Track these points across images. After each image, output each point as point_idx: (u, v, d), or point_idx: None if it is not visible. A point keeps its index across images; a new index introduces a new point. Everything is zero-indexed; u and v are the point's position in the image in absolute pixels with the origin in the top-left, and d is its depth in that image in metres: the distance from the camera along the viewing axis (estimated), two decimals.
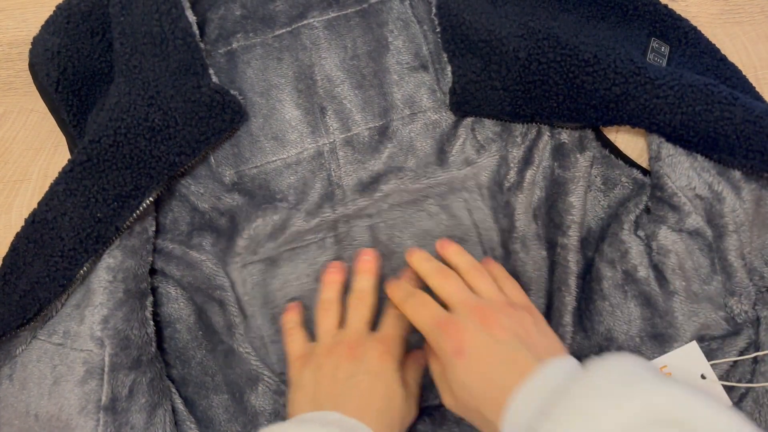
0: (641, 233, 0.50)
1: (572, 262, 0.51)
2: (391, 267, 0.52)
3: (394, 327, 0.48)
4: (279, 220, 0.51)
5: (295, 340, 0.49)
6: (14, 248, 0.47)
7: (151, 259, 0.51)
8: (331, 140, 0.51)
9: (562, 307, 0.50)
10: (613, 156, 0.53)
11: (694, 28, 0.52)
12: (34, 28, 0.51)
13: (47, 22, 0.51)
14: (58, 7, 0.51)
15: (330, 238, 0.52)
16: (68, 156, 0.54)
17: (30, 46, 0.52)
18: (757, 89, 0.51)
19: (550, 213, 0.52)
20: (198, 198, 0.52)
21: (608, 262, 0.50)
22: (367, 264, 0.50)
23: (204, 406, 0.51)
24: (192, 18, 0.49)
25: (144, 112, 0.46)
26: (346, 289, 0.51)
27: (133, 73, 0.47)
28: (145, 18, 0.47)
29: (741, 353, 0.48)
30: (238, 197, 0.51)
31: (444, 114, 0.52)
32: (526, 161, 0.52)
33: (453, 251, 0.50)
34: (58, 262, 0.46)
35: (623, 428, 0.33)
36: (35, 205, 0.47)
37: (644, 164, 0.53)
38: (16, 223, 0.53)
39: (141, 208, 0.48)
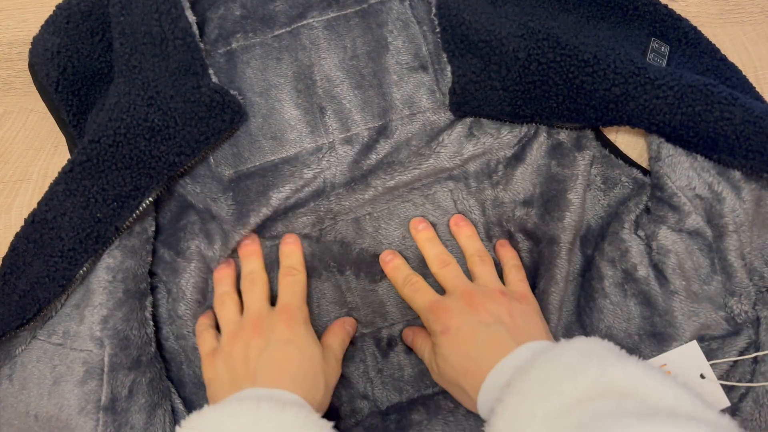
0: (641, 233, 0.50)
1: (563, 258, 0.51)
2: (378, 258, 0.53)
3: (292, 294, 0.49)
4: (271, 217, 0.51)
5: (205, 340, 0.49)
6: (14, 248, 0.47)
7: (150, 259, 0.51)
8: (330, 140, 0.51)
9: (546, 300, 0.51)
10: (613, 156, 0.53)
11: (694, 28, 0.52)
12: (34, 28, 0.51)
13: (47, 22, 0.51)
14: (58, 7, 0.51)
15: (315, 232, 0.52)
16: (68, 156, 0.54)
17: (30, 46, 0.52)
18: (757, 89, 0.51)
19: (547, 208, 0.52)
20: (195, 197, 0.51)
21: (608, 260, 0.50)
22: (249, 247, 0.51)
23: (202, 406, 0.51)
24: (192, 18, 0.49)
25: (144, 112, 0.46)
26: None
27: (132, 73, 0.47)
28: (145, 18, 0.47)
29: (741, 353, 0.48)
30: (232, 196, 0.51)
31: (443, 114, 0.52)
32: (518, 158, 0.52)
33: (464, 234, 0.52)
34: (58, 262, 0.46)
35: (577, 397, 0.35)
36: (35, 205, 0.47)
37: (644, 164, 0.53)
38: (16, 223, 0.53)
39: (141, 208, 0.48)
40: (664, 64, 0.51)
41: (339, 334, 0.51)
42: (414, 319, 0.53)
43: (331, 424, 0.41)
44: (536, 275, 0.52)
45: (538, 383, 0.38)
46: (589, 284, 0.51)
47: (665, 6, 0.52)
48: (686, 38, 0.52)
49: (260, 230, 0.52)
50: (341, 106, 0.52)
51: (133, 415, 0.48)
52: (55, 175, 0.47)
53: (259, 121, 0.51)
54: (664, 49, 0.52)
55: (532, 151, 0.52)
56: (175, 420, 0.50)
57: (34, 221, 0.46)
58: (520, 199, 0.52)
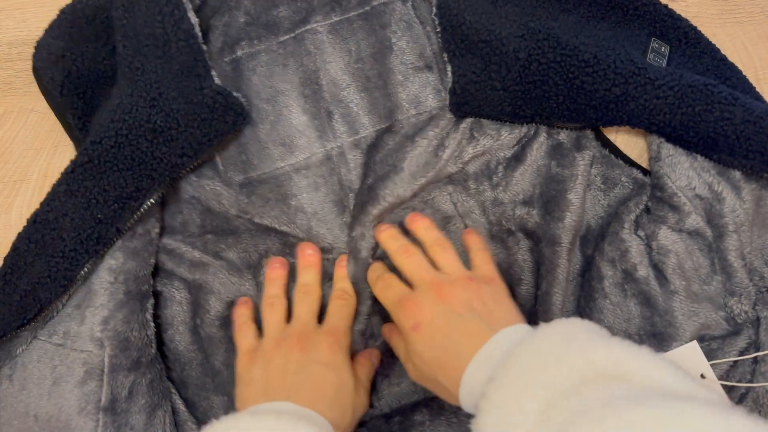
0: (641, 233, 0.50)
1: (564, 258, 0.51)
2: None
3: (341, 318, 0.49)
4: (301, 231, 0.51)
5: (245, 336, 0.49)
6: (15, 248, 0.47)
7: (153, 261, 0.51)
8: (339, 144, 0.51)
9: (549, 301, 0.51)
10: (613, 156, 0.53)
11: (694, 28, 0.52)
12: (34, 28, 0.51)
13: (51, 26, 0.51)
14: (62, 11, 0.51)
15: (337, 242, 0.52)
16: (68, 156, 0.54)
17: (30, 46, 0.52)
18: (757, 89, 0.51)
19: (547, 209, 0.52)
20: (210, 202, 0.52)
21: (608, 260, 0.50)
22: (310, 258, 0.51)
23: (204, 407, 0.52)
24: (194, 20, 0.49)
25: (146, 113, 0.46)
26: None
27: (135, 74, 0.47)
28: (148, 20, 0.47)
29: (741, 353, 0.48)
30: (247, 202, 0.51)
31: (448, 113, 0.52)
32: (518, 159, 0.52)
33: (420, 226, 0.51)
34: (59, 263, 0.46)
35: (562, 384, 0.34)
36: (35, 205, 0.47)
37: (644, 164, 0.53)
38: (16, 223, 0.53)
39: (142, 209, 0.48)
40: (664, 64, 0.51)
41: (366, 365, 0.50)
42: None
43: None
44: (538, 276, 0.52)
45: (521, 375, 0.36)
46: (589, 284, 0.51)
47: (665, 6, 0.52)
48: (686, 38, 0.52)
49: (284, 246, 0.52)
50: (348, 110, 0.52)
51: (133, 416, 0.48)
52: (55, 175, 0.47)
53: (267, 128, 0.51)
54: (665, 49, 0.52)
55: (532, 151, 0.52)
56: (176, 421, 0.50)
57: (35, 221, 0.46)
58: (520, 199, 0.52)
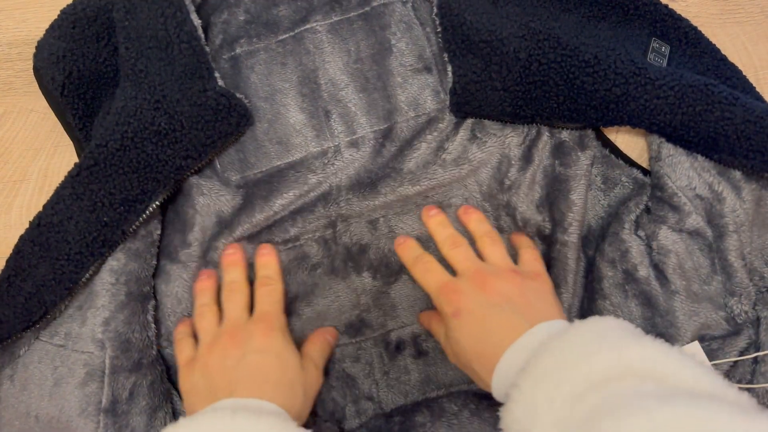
0: (641, 233, 0.50)
1: (571, 259, 0.51)
2: (395, 259, 0.52)
3: (270, 303, 0.49)
4: (276, 221, 0.51)
5: (182, 350, 0.49)
6: (19, 250, 0.47)
7: (155, 262, 0.51)
8: (336, 143, 0.51)
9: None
10: (613, 156, 0.53)
11: (695, 28, 0.52)
12: (34, 28, 0.51)
13: (52, 26, 0.51)
14: (63, 12, 0.51)
15: (329, 235, 0.52)
16: (68, 156, 0.54)
17: (30, 46, 0.52)
18: (757, 89, 0.52)
19: (551, 210, 0.52)
20: (201, 202, 0.51)
21: (609, 261, 0.50)
22: (231, 257, 0.51)
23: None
24: (197, 21, 0.48)
25: (150, 116, 0.46)
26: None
27: (138, 77, 0.47)
28: (150, 22, 0.47)
29: (741, 353, 0.48)
30: (240, 202, 0.51)
31: (448, 115, 0.52)
32: (527, 159, 0.52)
33: (472, 218, 0.51)
34: (64, 266, 0.46)
35: (593, 378, 0.35)
36: (35, 205, 0.47)
37: (644, 164, 0.53)
38: (16, 223, 0.53)
39: (147, 212, 0.48)
40: (664, 64, 0.51)
41: (318, 343, 0.50)
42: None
43: None
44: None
45: (553, 367, 0.37)
46: (590, 286, 0.51)
47: (666, 6, 0.52)
48: (687, 38, 0.52)
49: (273, 235, 0.52)
50: (346, 110, 0.52)
51: (134, 417, 0.48)
52: (56, 175, 0.47)
53: (264, 126, 0.51)
54: (665, 49, 0.52)
55: (538, 151, 0.52)
56: None
57: (39, 224, 0.46)
58: (532, 201, 0.52)
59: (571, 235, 0.51)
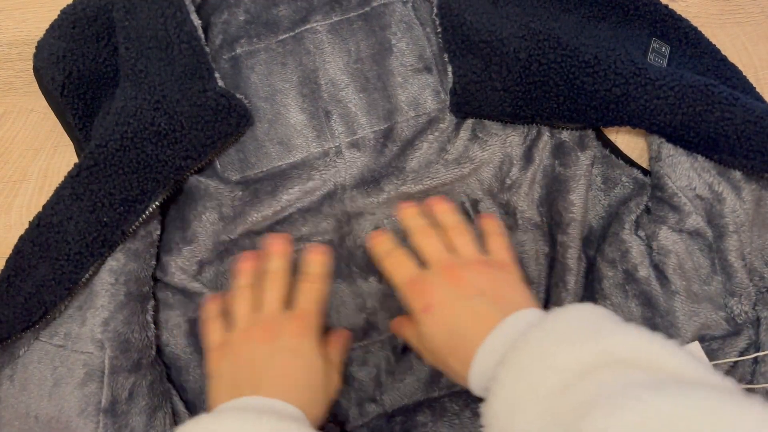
0: (642, 233, 0.50)
1: (571, 259, 0.51)
2: None
3: (309, 301, 0.48)
4: (281, 219, 0.51)
5: (213, 331, 0.49)
6: (18, 251, 0.46)
7: (154, 262, 0.51)
8: (337, 144, 0.51)
9: (559, 303, 0.50)
10: (613, 156, 0.53)
11: (695, 29, 0.52)
12: (34, 28, 0.51)
13: (52, 26, 0.51)
14: (63, 12, 0.51)
15: (336, 238, 0.52)
16: (68, 156, 0.54)
17: (30, 46, 0.52)
18: (758, 89, 0.52)
19: (551, 210, 0.52)
20: (199, 197, 0.51)
21: (609, 261, 0.50)
22: (277, 246, 0.50)
23: (205, 410, 0.51)
24: (197, 22, 0.48)
25: (150, 116, 0.46)
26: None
27: (138, 77, 0.47)
28: (150, 22, 0.47)
29: (741, 354, 0.48)
30: (240, 196, 0.51)
31: (448, 115, 0.52)
32: (528, 159, 0.52)
33: (441, 209, 0.50)
34: (64, 266, 0.46)
35: (578, 369, 0.34)
36: (35, 205, 0.47)
37: (645, 164, 0.53)
38: (16, 223, 0.53)
39: (147, 212, 0.48)
40: (664, 65, 0.51)
41: (337, 347, 0.50)
42: None
43: None
44: (550, 279, 0.52)
45: (534, 358, 0.36)
46: (590, 286, 0.51)
47: (666, 6, 0.52)
48: (687, 38, 0.52)
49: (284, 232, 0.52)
50: (347, 110, 0.52)
51: (134, 417, 0.47)
52: (55, 175, 0.47)
53: (265, 127, 0.51)
54: (665, 49, 0.52)
55: (538, 151, 0.52)
56: (176, 423, 0.50)
57: (39, 225, 0.46)
58: (533, 200, 0.52)
59: (571, 236, 0.51)
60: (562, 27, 0.51)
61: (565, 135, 0.52)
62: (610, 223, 0.52)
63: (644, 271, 0.49)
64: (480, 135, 0.52)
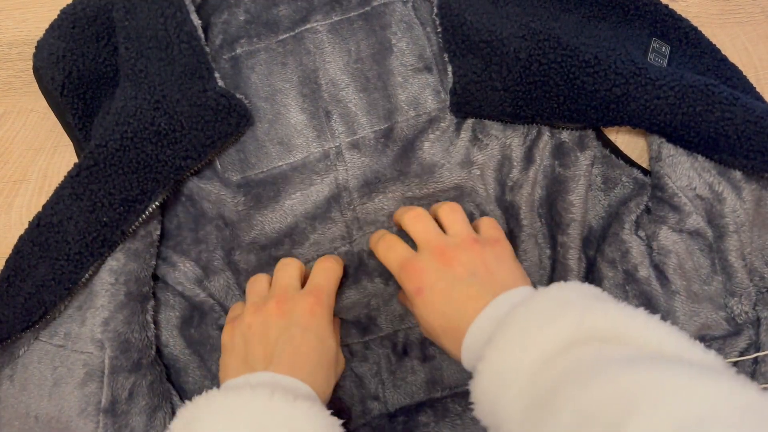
0: (642, 233, 0.50)
1: (572, 260, 0.51)
2: None
3: (325, 279, 0.48)
4: (287, 225, 0.51)
5: (233, 308, 0.49)
6: (18, 251, 0.47)
7: (154, 262, 0.51)
8: (337, 144, 0.51)
9: None
10: (613, 156, 0.53)
11: (695, 28, 0.52)
12: (34, 28, 0.51)
13: (52, 26, 0.51)
14: (63, 12, 0.51)
15: (346, 246, 0.52)
16: (68, 156, 0.54)
17: (30, 46, 0.52)
18: (758, 89, 0.51)
19: (551, 211, 0.52)
20: (204, 203, 0.51)
21: (609, 261, 0.50)
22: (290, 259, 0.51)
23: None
24: (197, 22, 0.48)
25: (150, 116, 0.46)
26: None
27: (138, 77, 0.47)
28: (150, 22, 0.47)
29: (741, 354, 0.48)
30: (243, 201, 0.51)
31: (448, 115, 0.52)
32: (528, 160, 0.52)
33: (436, 204, 0.51)
34: (64, 266, 0.46)
35: (559, 345, 0.35)
36: (35, 205, 0.47)
37: (645, 164, 0.53)
38: (16, 223, 0.53)
39: (147, 212, 0.48)
40: (664, 65, 0.51)
41: (338, 328, 0.50)
42: None
43: (340, 422, 0.41)
44: (551, 280, 0.52)
45: (518, 335, 0.37)
46: None
47: (666, 6, 0.52)
48: (687, 38, 0.52)
49: (294, 238, 0.52)
50: (347, 110, 0.52)
51: (134, 417, 0.47)
52: (55, 175, 0.47)
53: (265, 127, 0.51)
54: (665, 49, 0.52)
55: (539, 151, 0.52)
56: None
57: (39, 225, 0.46)
58: (534, 201, 0.52)
59: (571, 236, 0.51)
60: (562, 27, 0.51)
61: (565, 135, 0.52)
62: (610, 223, 0.52)
63: (644, 271, 0.49)
64: (480, 137, 0.52)
